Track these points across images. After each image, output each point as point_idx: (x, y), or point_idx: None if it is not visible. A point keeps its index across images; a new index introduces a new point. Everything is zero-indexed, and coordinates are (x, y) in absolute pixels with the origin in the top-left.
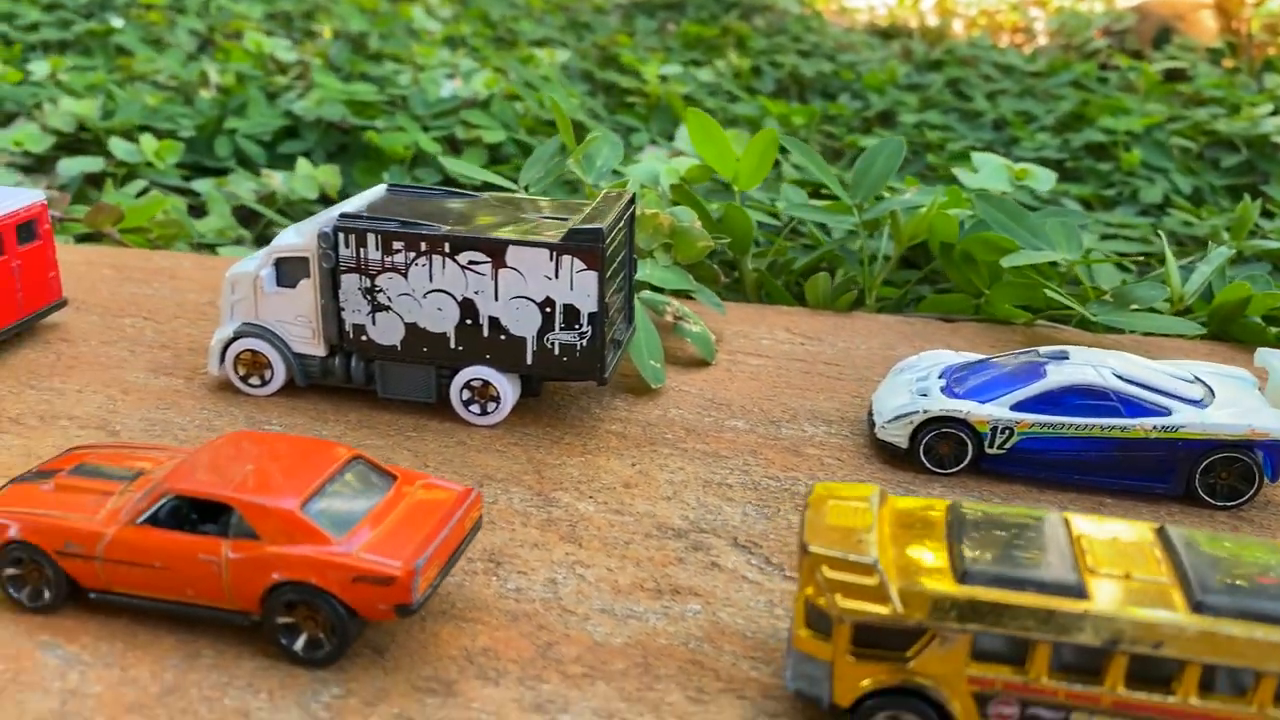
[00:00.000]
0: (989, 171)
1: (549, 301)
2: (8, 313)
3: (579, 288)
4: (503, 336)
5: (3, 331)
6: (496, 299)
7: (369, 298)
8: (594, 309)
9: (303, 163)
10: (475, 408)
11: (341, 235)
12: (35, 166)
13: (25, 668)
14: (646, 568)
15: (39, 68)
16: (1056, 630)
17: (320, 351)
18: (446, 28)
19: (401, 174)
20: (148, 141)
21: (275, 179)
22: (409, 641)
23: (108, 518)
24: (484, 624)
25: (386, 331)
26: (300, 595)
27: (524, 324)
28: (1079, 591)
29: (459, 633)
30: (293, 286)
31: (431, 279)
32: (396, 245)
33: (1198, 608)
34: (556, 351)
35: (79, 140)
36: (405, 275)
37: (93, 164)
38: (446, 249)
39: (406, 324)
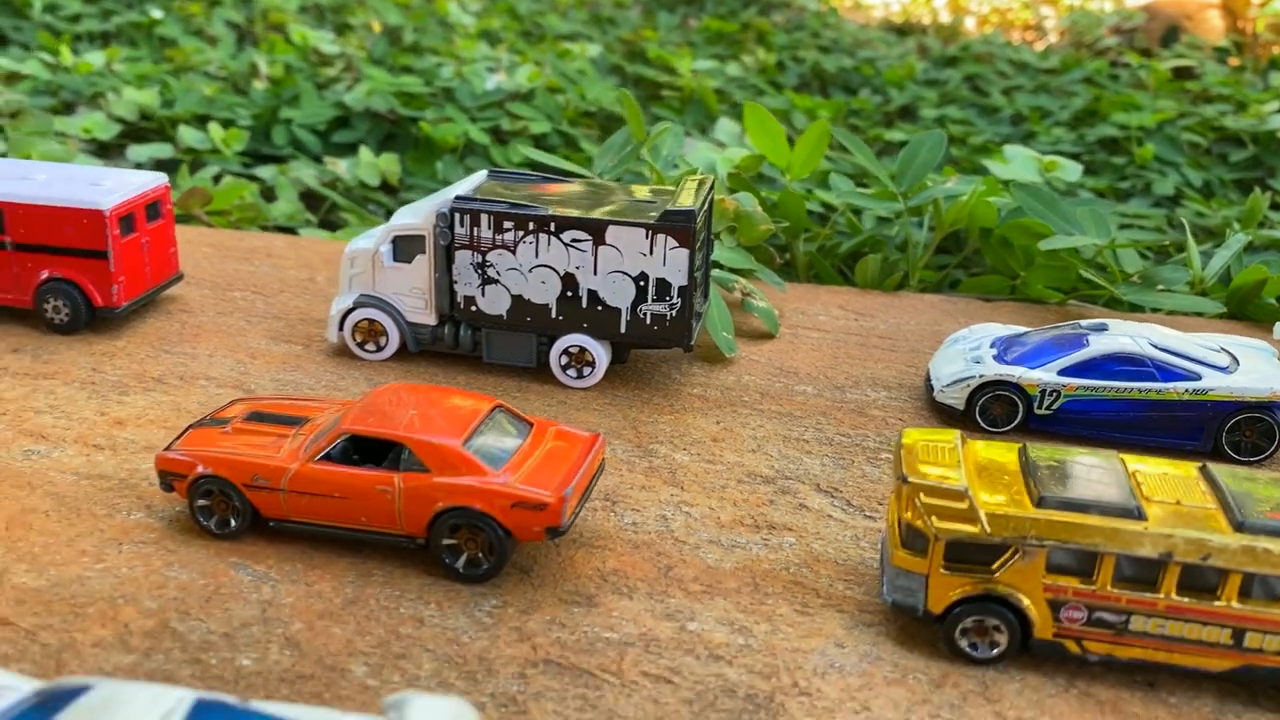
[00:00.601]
0: (1019, 163)
1: (643, 276)
2: (139, 284)
3: (671, 263)
4: (600, 307)
5: (135, 301)
6: (595, 273)
7: (480, 272)
8: (684, 283)
9: (364, 151)
10: (572, 372)
11: (457, 215)
12: (101, 153)
13: (224, 583)
14: (743, 507)
15: (94, 58)
16: (1120, 546)
17: (432, 320)
18: (479, 22)
19: (453, 163)
20: (215, 129)
21: (340, 166)
22: (550, 564)
23: (289, 455)
24: (611, 550)
25: (494, 302)
26: (465, 520)
27: (620, 296)
28: (1138, 514)
29: (591, 557)
30: (409, 261)
31: (537, 255)
32: (507, 224)
33: (1239, 527)
34: (648, 321)
35: (139, 128)
36: (514, 252)
37: (162, 150)
38: (552, 228)
39: (513, 296)
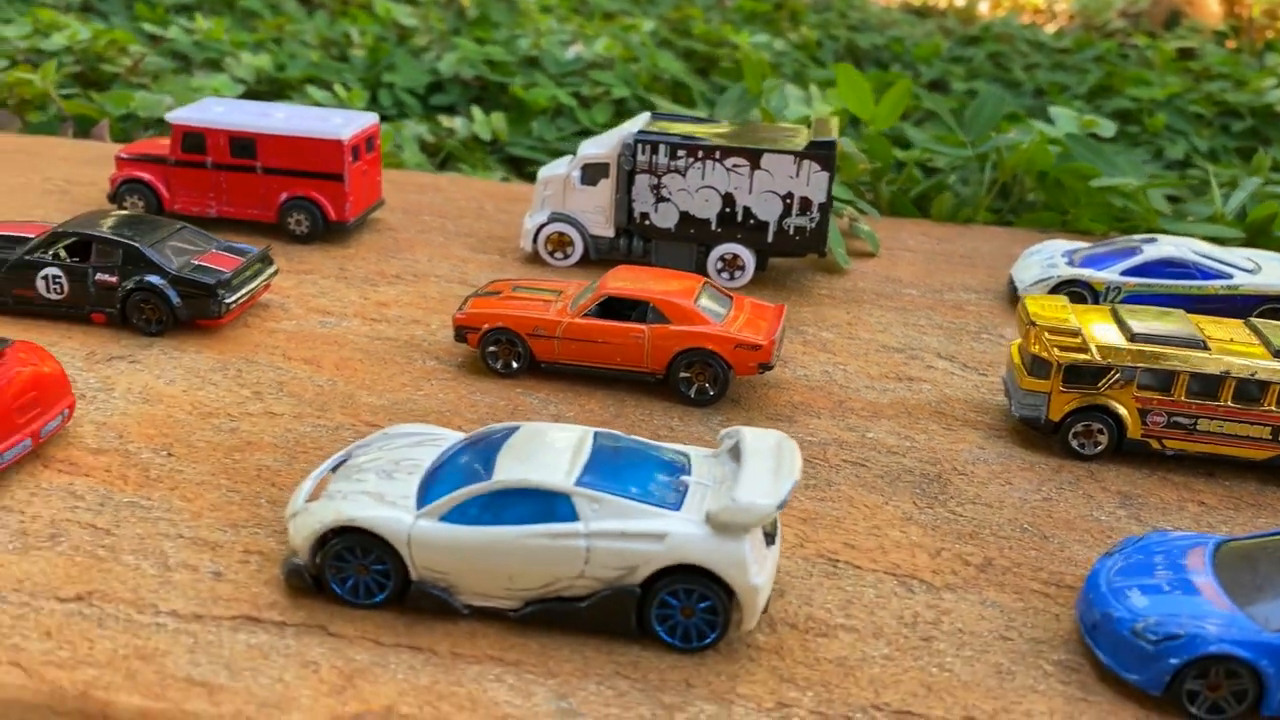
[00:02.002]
0: (1063, 121)
1: (789, 195)
2: (360, 204)
3: (813, 184)
4: (752, 221)
5: (357, 218)
6: (750, 193)
7: (654, 192)
8: (823, 200)
9: (476, 112)
10: (725, 275)
11: (640, 145)
12: None
13: (520, 404)
14: (885, 366)
15: (175, 30)
16: (1192, 367)
17: (610, 233)
18: None
19: (546, 123)
20: (339, 89)
21: (456, 123)
22: (753, 398)
23: (559, 313)
24: (794, 391)
25: (665, 217)
26: (698, 358)
27: (769, 211)
28: (1204, 345)
29: (780, 394)
30: (594, 184)
31: (703, 178)
32: (680, 153)
33: (1276, 354)
34: (791, 232)
35: (255, 89)
36: (684, 175)
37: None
38: (717, 155)
39: (680, 212)
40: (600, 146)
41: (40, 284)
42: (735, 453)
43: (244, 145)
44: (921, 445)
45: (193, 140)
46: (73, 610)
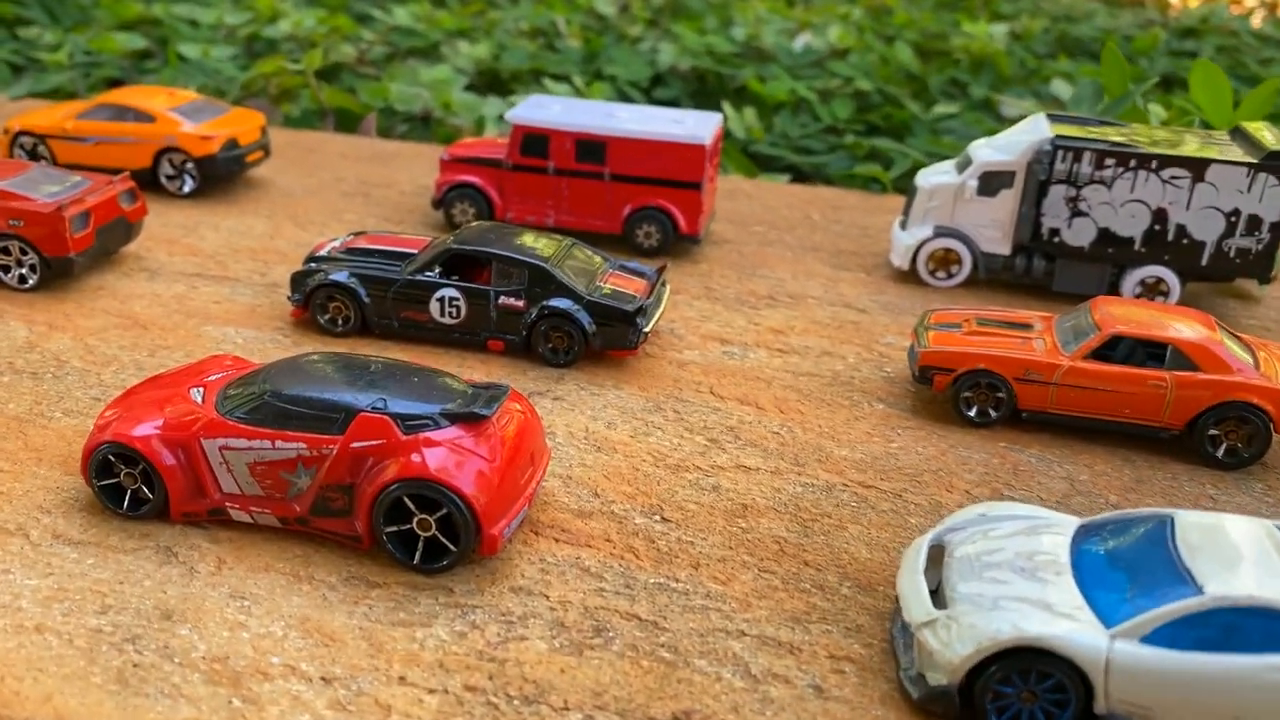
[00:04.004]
0: None
1: (1235, 212)
2: (707, 213)
3: (1266, 200)
4: (1185, 241)
5: (707, 225)
6: (1188, 208)
7: (1070, 205)
8: (1276, 219)
9: (728, 107)
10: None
11: (1060, 152)
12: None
13: (1015, 462)
14: None
15: (401, 14)
16: None
17: (1006, 250)
18: None
19: (788, 119)
20: (578, 82)
21: None
22: (1274, 457)
23: (1049, 353)
24: None
25: (1079, 234)
26: (1233, 412)
27: (1208, 230)
28: None
29: None
30: (992, 195)
31: (1132, 190)
32: (1108, 161)
33: None
34: (1231, 254)
35: (474, 83)
36: (1109, 187)
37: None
38: (1153, 165)
39: (1099, 228)
40: (1002, 153)
41: (435, 306)
42: None
43: (592, 149)
44: None
45: (534, 142)
46: None
